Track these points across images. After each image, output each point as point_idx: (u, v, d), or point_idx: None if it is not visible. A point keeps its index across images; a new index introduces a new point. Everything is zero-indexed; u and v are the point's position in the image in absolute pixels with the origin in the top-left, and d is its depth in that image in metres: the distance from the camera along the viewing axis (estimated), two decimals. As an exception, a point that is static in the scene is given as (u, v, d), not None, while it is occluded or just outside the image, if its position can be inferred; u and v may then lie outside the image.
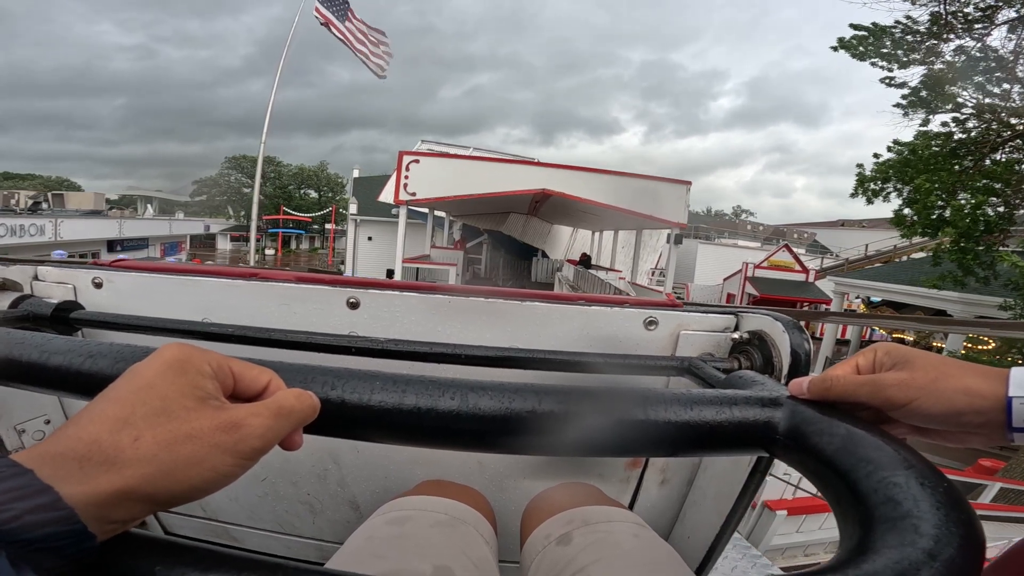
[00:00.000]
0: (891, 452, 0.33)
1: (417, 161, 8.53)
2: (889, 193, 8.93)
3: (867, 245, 25.09)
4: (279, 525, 1.05)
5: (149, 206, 31.34)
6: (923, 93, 8.62)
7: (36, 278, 0.89)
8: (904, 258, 20.59)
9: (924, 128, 8.58)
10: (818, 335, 19.84)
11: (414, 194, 8.47)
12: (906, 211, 8.81)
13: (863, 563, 0.27)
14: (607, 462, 0.93)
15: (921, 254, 20.35)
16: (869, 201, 9.06)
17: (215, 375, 0.31)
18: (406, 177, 8.40)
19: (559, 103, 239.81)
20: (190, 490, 0.27)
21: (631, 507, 0.96)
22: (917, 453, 0.33)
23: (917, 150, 8.24)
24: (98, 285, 0.87)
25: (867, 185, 8.96)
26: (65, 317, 0.79)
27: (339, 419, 0.38)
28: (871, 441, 0.34)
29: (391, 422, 0.38)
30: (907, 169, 8.41)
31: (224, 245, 37.34)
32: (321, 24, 11.02)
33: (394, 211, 9.89)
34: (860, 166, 9.00)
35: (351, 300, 0.83)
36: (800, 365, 0.67)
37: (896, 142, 8.53)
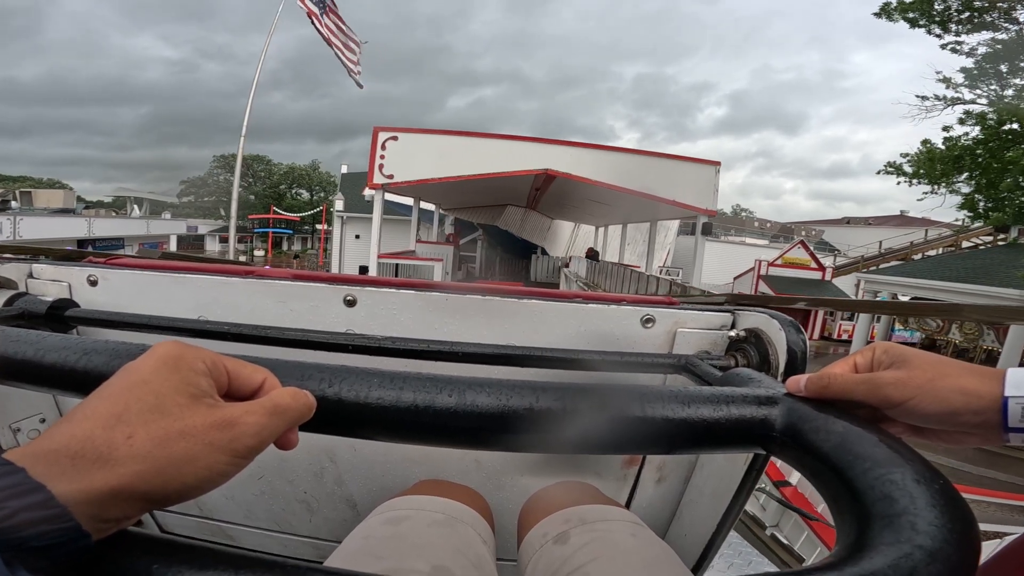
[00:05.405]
0: (887, 449, 0.33)
1: (395, 138, 7.16)
2: (962, 169, 7.73)
3: (881, 242, 24.27)
4: (275, 523, 1.04)
5: (136, 207, 30.14)
6: (988, 66, 7.40)
7: (31, 276, 0.88)
8: (920, 256, 19.54)
9: (1008, 96, 7.36)
10: (835, 336, 18.66)
11: (391, 177, 7.12)
12: (977, 196, 7.62)
13: (861, 560, 0.26)
14: (604, 460, 0.93)
15: (933, 252, 19.29)
16: (932, 182, 7.90)
17: (209, 373, 0.31)
18: (382, 157, 7.06)
19: (557, 112, 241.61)
20: (184, 488, 0.27)
21: (628, 505, 0.95)
22: (914, 450, 0.33)
23: (1004, 121, 7.01)
24: (93, 283, 0.86)
25: (935, 166, 7.77)
26: (60, 315, 0.77)
27: (336, 417, 0.38)
28: (868, 438, 0.34)
29: (388, 420, 0.38)
30: (987, 146, 7.19)
31: (213, 246, 36.25)
32: (307, 13, 10.07)
33: (368, 197, 8.60)
34: (927, 142, 7.88)
35: (348, 298, 0.82)
36: (797, 363, 0.67)
37: (968, 113, 7.38)
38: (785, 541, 2.83)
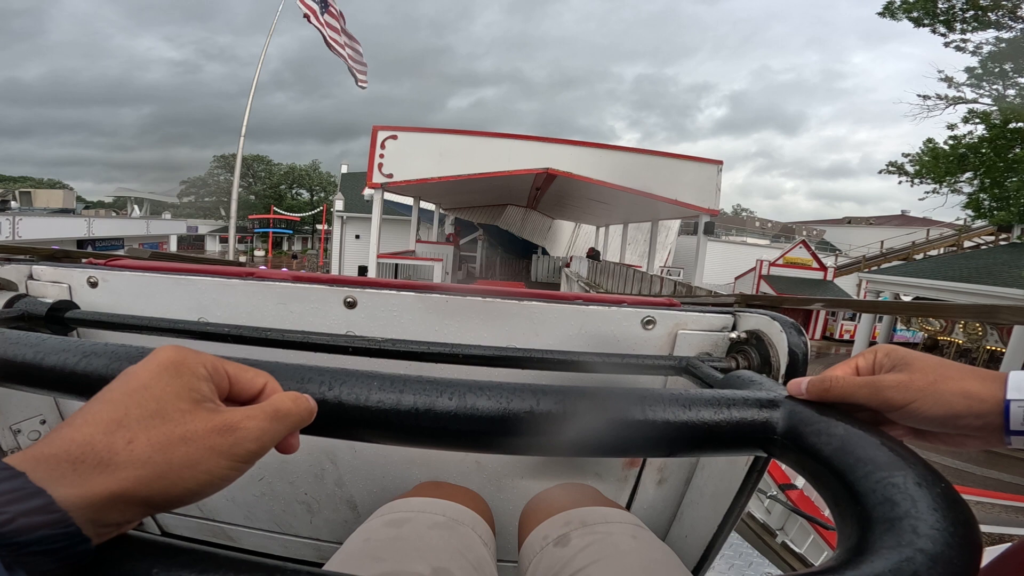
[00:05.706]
0: (889, 452, 0.33)
1: (395, 137, 7.13)
2: (966, 168, 7.68)
3: (882, 242, 24.22)
4: (276, 525, 1.05)
5: (137, 207, 30.12)
6: (992, 65, 7.36)
7: (31, 277, 0.87)
8: (921, 255, 19.47)
9: (1011, 95, 7.30)
10: (837, 336, 18.59)
11: (391, 176, 7.09)
12: (983, 196, 7.55)
13: (861, 564, 0.26)
14: (604, 462, 0.93)
15: (935, 252, 19.25)
16: (936, 181, 7.85)
17: (210, 377, 0.31)
18: (381, 156, 7.01)
19: (558, 113, 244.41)
20: (185, 493, 0.27)
21: (628, 507, 0.96)
22: (915, 453, 0.33)
23: (1010, 119, 6.96)
24: (93, 284, 0.86)
25: (939, 164, 7.73)
26: (60, 317, 0.78)
27: (336, 420, 0.38)
28: (869, 441, 0.34)
29: (388, 423, 0.38)
30: (993, 144, 7.13)
31: (213, 247, 36.19)
32: (303, 15, 10.02)
33: (368, 196, 8.54)
34: (930, 140, 7.82)
35: (348, 299, 0.82)
36: (798, 365, 0.67)
37: (972, 112, 7.33)
38: (793, 546, 2.79)
